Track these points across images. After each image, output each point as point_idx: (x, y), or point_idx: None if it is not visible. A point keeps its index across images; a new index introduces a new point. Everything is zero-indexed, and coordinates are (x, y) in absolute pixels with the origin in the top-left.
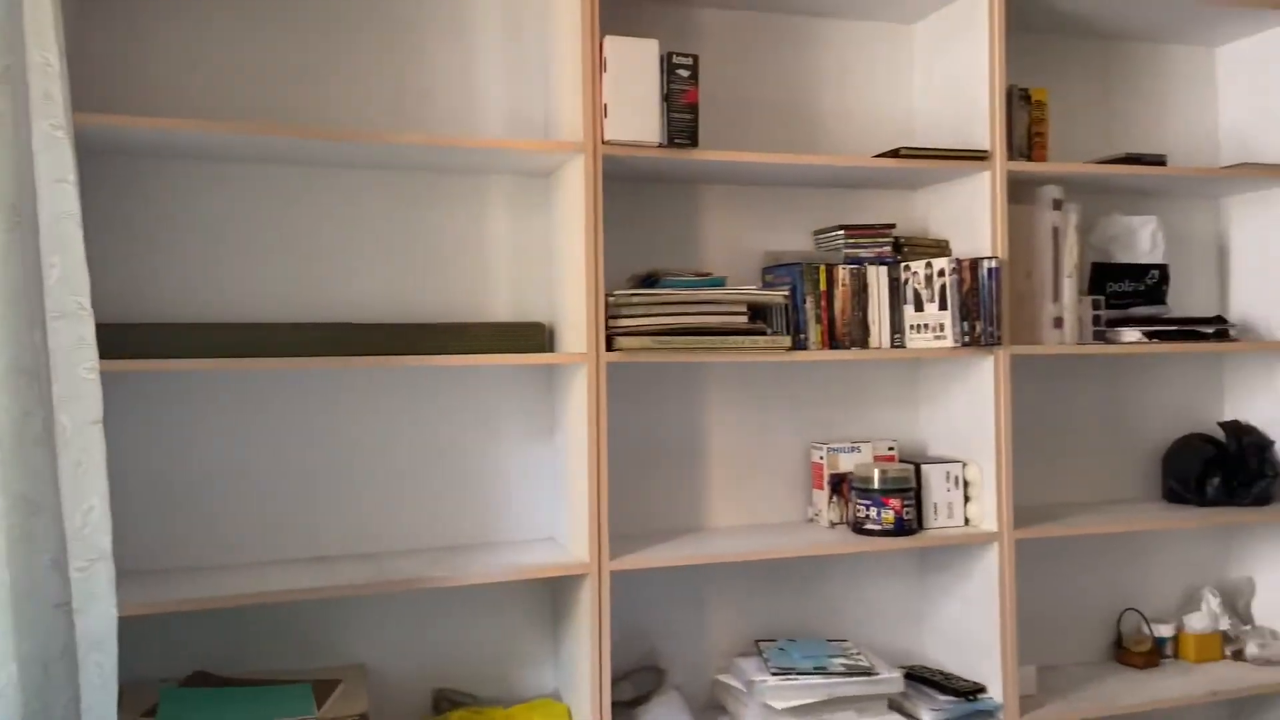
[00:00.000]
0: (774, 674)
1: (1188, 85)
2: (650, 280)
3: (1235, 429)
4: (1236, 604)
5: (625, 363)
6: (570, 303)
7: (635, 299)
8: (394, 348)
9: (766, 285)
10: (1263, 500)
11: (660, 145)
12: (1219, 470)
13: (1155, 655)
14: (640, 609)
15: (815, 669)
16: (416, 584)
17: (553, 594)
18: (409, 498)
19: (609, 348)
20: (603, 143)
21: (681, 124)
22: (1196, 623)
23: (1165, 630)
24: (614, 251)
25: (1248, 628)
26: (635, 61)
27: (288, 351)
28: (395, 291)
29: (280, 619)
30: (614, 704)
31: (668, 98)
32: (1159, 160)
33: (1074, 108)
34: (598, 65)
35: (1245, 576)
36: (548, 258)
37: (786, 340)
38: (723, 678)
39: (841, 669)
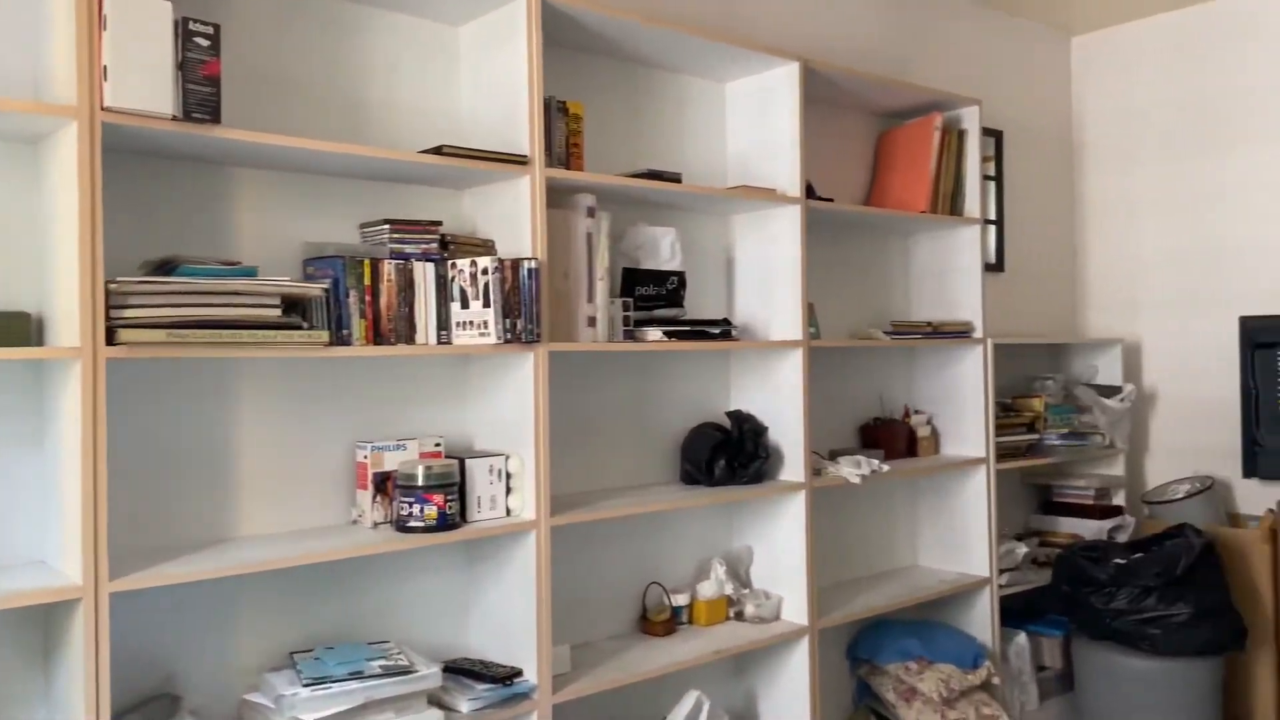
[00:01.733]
0: (306, 685)
1: (703, 114)
2: (167, 268)
3: (737, 417)
4: (740, 571)
5: (134, 359)
6: (63, 290)
7: (144, 287)
8: None
9: (308, 278)
10: (758, 479)
11: (174, 118)
12: (724, 454)
13: (673, 623)
14: (154, 632)
15: (351, 674)
16: None
17: (46, 624)
18: None
19: (110, 341)
20: (102, 109)
21: (200, 97)
22: (707, 590)
23: (682, 599)
24: (124, 236)
25: (747, 591)
26: (142, 22)
27: None
28: None
29: None
30: None
31: (183, 66)
32: (675, 178)
33: (608, 123)
34: (97, 21)
35: (746, 546)
36: (36, 238)
37: (325, 335)
38: (250, 697)
39: (379, 671)
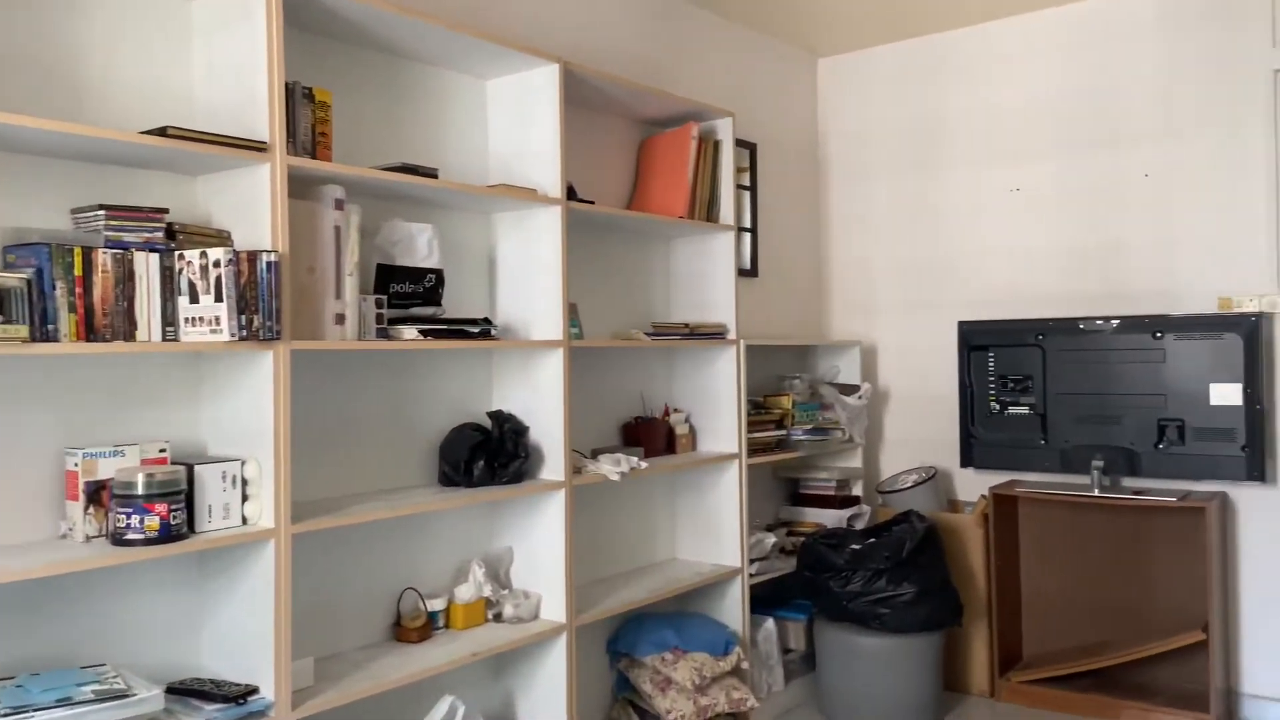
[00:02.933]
0: (4, 716)
1: (464, 110)
2: None
3: (498, 417)
4: (499, 572)
5: None
6: None
7: None
8: None
9: (7, 267)
10: (518, 478)
11: None
12: (484, 454)
13: (428, 628)
14: None
15: (59, 702)
16: None
17: None
18: None
19: None
20: None
21: None
22: (464, 593)
23: (438, 604)
24: None
25: (506, 592)
26: None
27: None
28: None
29: None
30: None
31: None
32: (431, 173)
33: (361, 114)
34: None
35: (506, 546)
36: None
37: (24, 330)
38: None
39: (91, 696)
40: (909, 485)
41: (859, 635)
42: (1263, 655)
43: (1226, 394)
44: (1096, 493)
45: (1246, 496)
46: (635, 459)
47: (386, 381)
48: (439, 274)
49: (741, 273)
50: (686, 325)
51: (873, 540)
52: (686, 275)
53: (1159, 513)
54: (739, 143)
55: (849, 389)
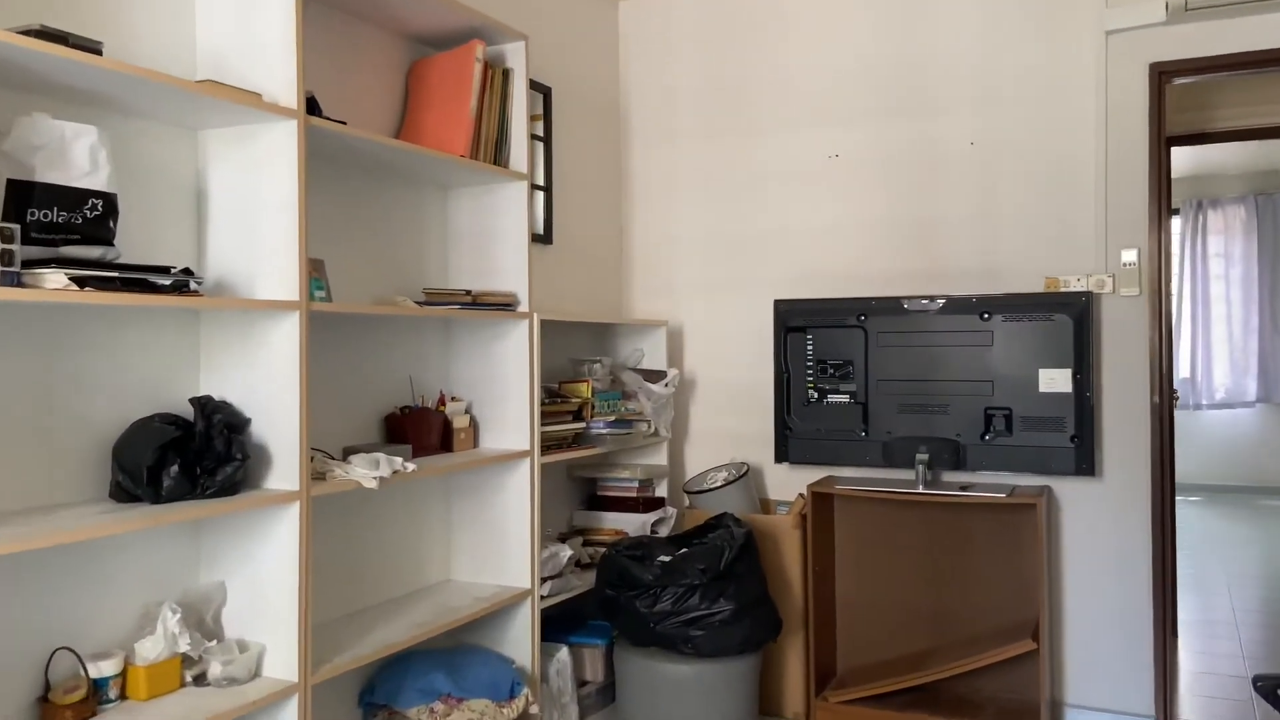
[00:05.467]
0: None
1: None
2: None
3: (204, 405)
4: (204, 617)
5: None
6: None
7: None
8: None
9: None
10: (231, 489)
11: None
12: (179, 456)
13: (92, 702)
14: None
15: None
16: None
17: None
18: None
19: None
20: None
21: None
22: (150, 649)
23: (110, 667)
24: None
25: (213, 644)
26: None
27: None
28: None
29: None
30: None
31: None
32: (91, 46)
33: None
34: None
35: (215, 582)
36: None
37: None
38: None
39: None
40: (719, 484)
41: (667, 662)
42: (1086, 663)
43: (1056, 380)
44: (921, 489)
45: (1072, 491)
46: (400, 459)
47: (27, 353)
48: (109, 200)
49: (535, 239)
50: (468, 293)
51: (685, 551)
52: (470, 233)
53: (986, 510)
54: (532, 85)
55: (654, 375)
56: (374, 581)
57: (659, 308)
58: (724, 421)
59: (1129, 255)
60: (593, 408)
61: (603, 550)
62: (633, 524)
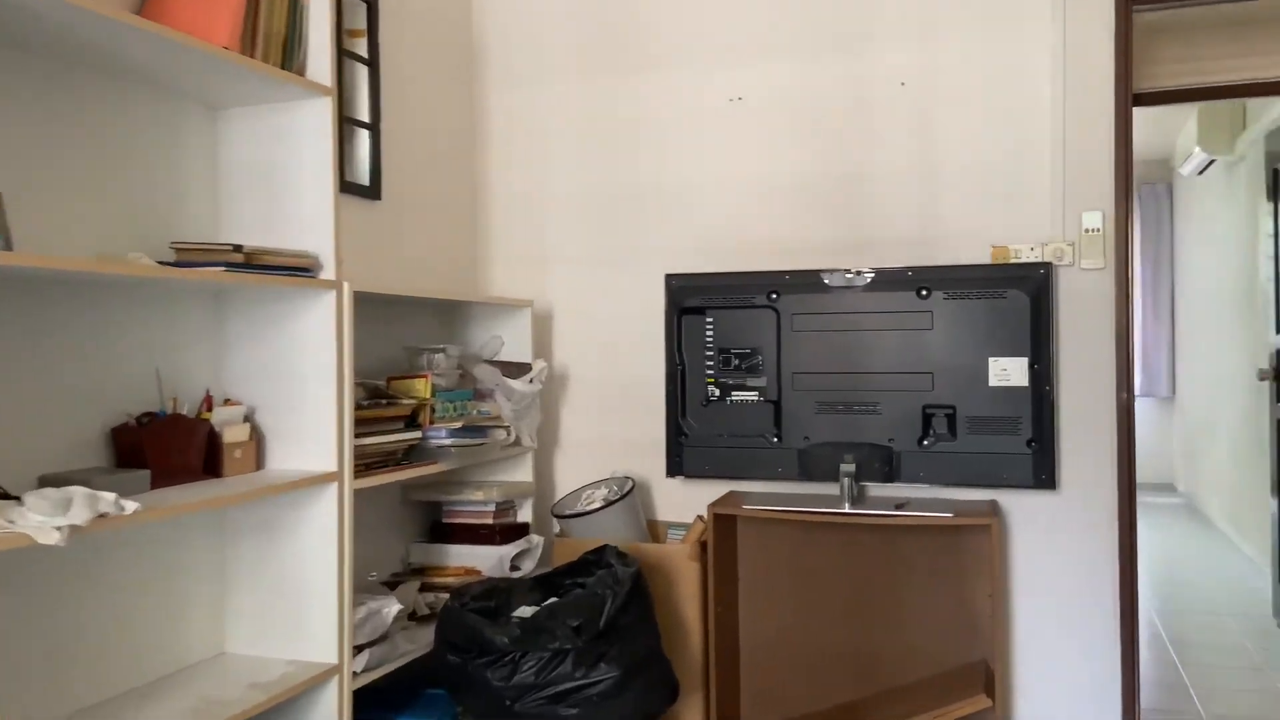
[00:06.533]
0: None
1: None
2: None
3: None
4: None
5: None
6: None
7: None
8: None
9: None
10: None
11: None
12: None
13: None
14: None
15: None
16: None
17: None
18: None
19: None
20: None
21: None
22: None
23: None
24: None
25: None
26: None
27: None
28: None
29: None
30: None
31: None
32: None
33: None
34: None
35: None
36: None
37: None
38: None
39: None
40: (598, 506)
41: None
42: (1044, 717)
43: (1009, 371)
44: (846, 508)
45: (1028, 508)
46: (112, 496)
47: None
48: None
49: (356, 190)
50: (238, 249)
51: (554, 602)
52: (251, 171)
53: (925, 533)
54: None
55: (517, 369)
56: (106, 666)
57: (524, 284)
58: (605, 426)
59: (1092, 219)
60: (432, 411)
61: (446, 598)
62: (488, 559)
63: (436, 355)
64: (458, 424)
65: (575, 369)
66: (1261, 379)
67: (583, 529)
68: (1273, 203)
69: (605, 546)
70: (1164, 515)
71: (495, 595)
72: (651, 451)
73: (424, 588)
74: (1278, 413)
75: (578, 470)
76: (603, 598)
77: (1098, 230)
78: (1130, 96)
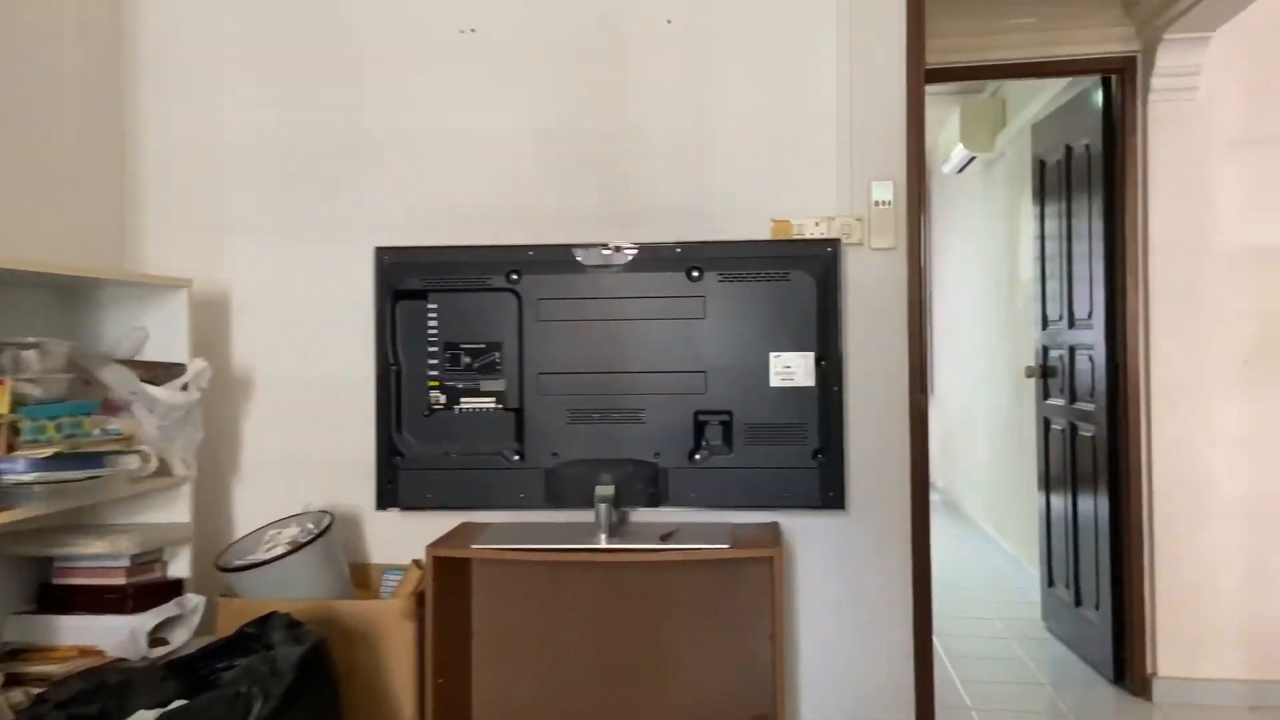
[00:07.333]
0: None
1: None
2: None
3: None
4: None
5: None
6: None
7: None
8: None
9: None
10: None
11: None
12: None
13: None
14: None
15: None
16: None
17: None
18: None
19: None
20: None
21: None
22: None
23: None
24: None
25: None
26: None
27: None
28: None
29: None
30: None
31: None
32: None
33: None
34: None
35: None
36: None
37: None
38: None
39: None
40: (280, 553)
41: None
42: None
43: (794, 369)
44: (603, 541)
45: (815, 531)
46: None
47: None
48: None
49: None
50: None
51: (178, 708)
52: None
53: (698, 568)
54: None
55: (165, 371)
56: None
57: (193, 259)
58: (301, 444)
59: (883, 190)
60: (14, 433)
61: (37, 696)
62: (115, 634)
63: (27, 353)
64: (48, 451)
65: (263, 370)
66: (1029, 376)
67: (258, 585)
68: (1039, 203)
69: (272, 615)
70: None
71: (103, 695)
72: (359, 476)
73: (13, 681)
74: (1045, 410)
75: (264, 503)
76: (247, 699)
77: (888, 203)
78: (923, 53)
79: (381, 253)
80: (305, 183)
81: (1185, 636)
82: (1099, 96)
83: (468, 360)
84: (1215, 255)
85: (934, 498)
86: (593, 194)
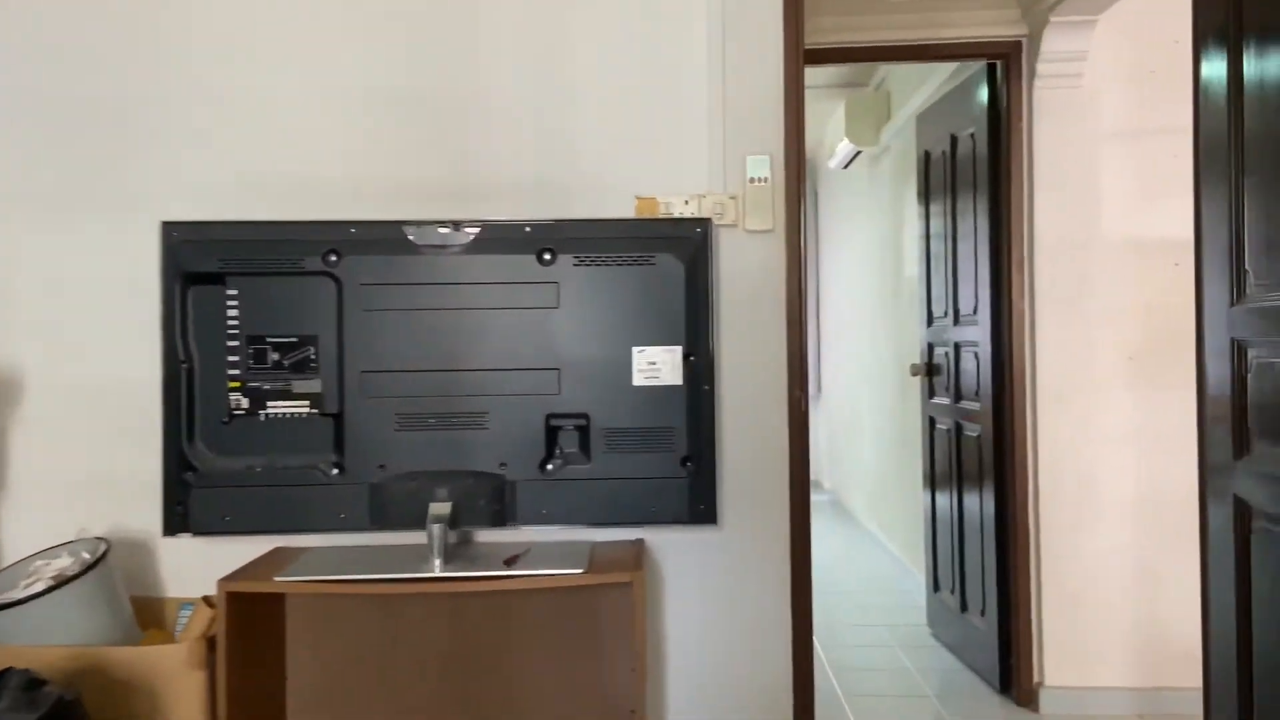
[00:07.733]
0: None
1: None
2: None
3: None
4: None
5: None
6: None
7: None
8: None
9: None
10: None
11: None
12: None
13: None
14: None
15: None
16: None
17: None
18: None
19: None
20: None
21: None
22: None
23: None
24: None
25: None
26: None
27: None
28: None
29: None
30: None
31: None
32: None
33: None
34: None
35: None
36: None
37: None
38: None
39: None
40: (40, 589)
41: None
42: None
43: (659, 365)
44: (438, 567)
45: (683, 547)
46: None
47: None
48: None
49: None
50: None
51: None
52: None
53: (549, 596)
54: None
55: None
56: None
57: None
58: (73, 458)
59: (759, 166)
60: None
61: None
62: None
63: None
64: None
65: (33, 371)
66: (914, 374)
67: (16, 629)
68: (924, 196)
69: (7, 671)
70: (813, 514)
71: None
72: (141, 495)
73: None
74: (930, 409)
75: (26, 530)
76: None
77: (765, 180)
78: (800, 23)
79: (169, 228)
80: (76, 146)
81: (1073, 643)
82: (984, 84)
83: (276, 357)
84: (1101, 249)
85: (820, 498)
86: (429, 163)
